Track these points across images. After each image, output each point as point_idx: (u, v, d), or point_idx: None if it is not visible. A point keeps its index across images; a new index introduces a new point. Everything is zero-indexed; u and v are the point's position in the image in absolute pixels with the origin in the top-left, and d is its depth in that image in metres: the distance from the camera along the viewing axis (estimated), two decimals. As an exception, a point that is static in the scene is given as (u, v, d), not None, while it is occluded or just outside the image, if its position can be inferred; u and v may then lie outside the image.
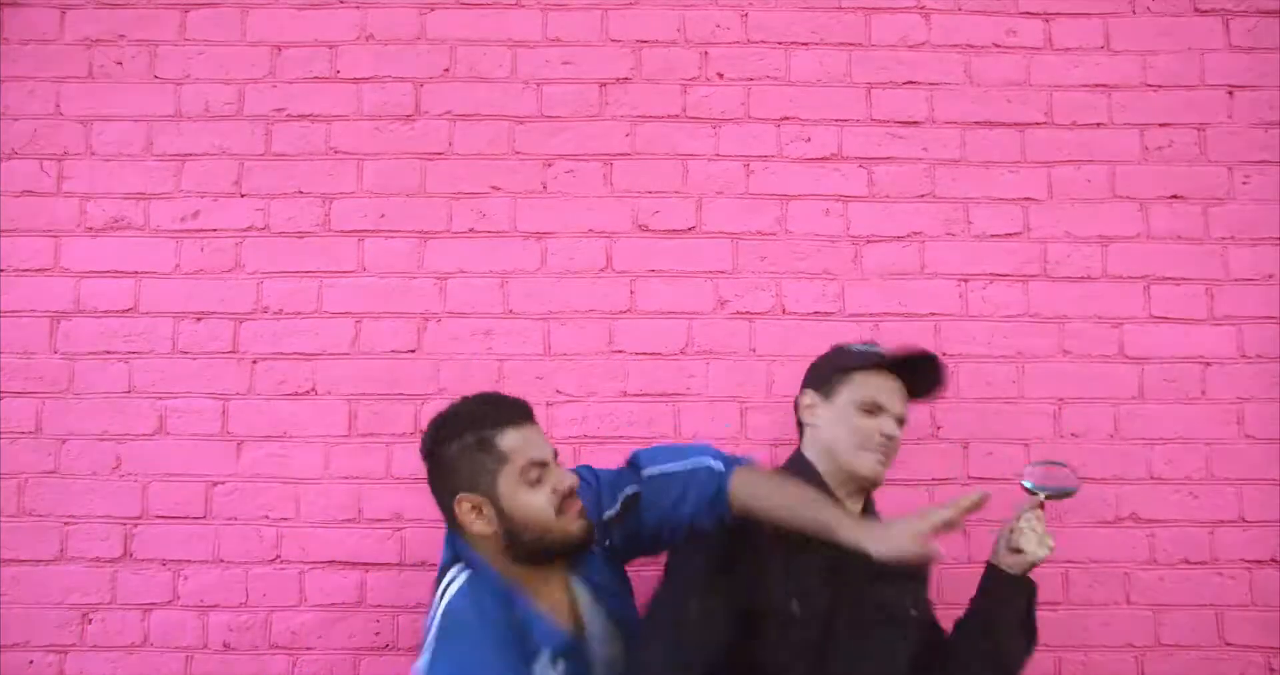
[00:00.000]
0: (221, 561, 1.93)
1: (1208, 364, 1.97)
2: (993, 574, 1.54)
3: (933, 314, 1.99)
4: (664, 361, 1.98)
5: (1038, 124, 2.04)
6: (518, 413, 1.41)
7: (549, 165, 2.03)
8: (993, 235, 2.01)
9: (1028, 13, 2.06)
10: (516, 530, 1.37)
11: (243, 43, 2.05)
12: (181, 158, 2.03)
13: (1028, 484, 1.55)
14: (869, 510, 1.63)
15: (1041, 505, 1.53)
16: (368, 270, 2.00)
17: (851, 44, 2.06)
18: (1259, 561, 1.92)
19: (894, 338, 1.96)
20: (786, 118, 2.04)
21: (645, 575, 1.58)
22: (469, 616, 1.33)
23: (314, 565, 1.92)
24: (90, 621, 1.91)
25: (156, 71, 2.05)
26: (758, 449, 1.93)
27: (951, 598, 1.72)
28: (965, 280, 2.00)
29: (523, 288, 1.99)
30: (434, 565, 1.48)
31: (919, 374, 1.62)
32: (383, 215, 2.01)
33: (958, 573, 1.87)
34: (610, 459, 1.93)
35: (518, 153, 2.03)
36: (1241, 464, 1.94)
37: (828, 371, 1.61)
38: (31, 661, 1.90)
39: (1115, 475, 1.94)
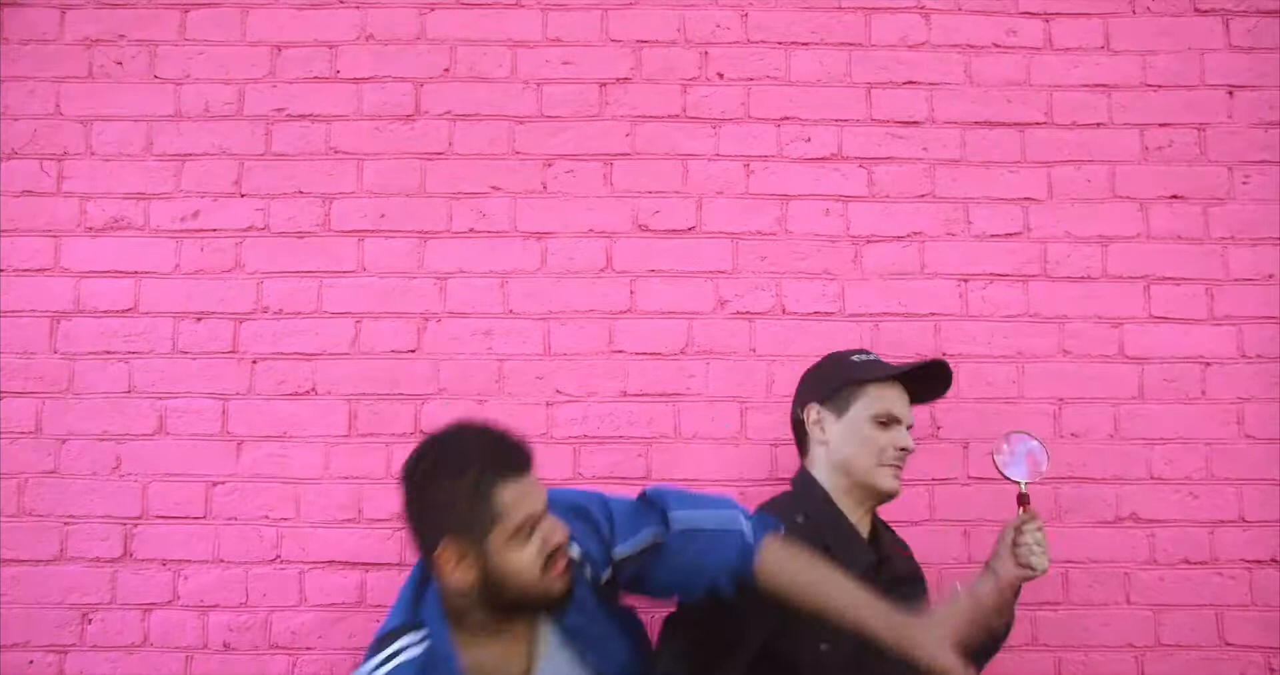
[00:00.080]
0: (221, 561, 1.92)
1: (1208, 364, 1.97)
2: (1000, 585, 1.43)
3: (933, 314, 1.99)
4: (664, 361, 1.98)
5: (1038, 124, 2.03)
6: (521, 461, 1.31)
7: (549, 165, 2.03)
8: (993, 235, 2.01)
9: (1028, 13, 2.06)
10: (496, 585, 1.29)
11: (243, 43, 2.05)
12: (181, 158, 2.03)
13: (1021, 483, 1.46)
14: (875, 521, 1.62)
15: (1027, 501, 1.45)
16: (368, 270, 2.00)
17: (851, 44, 2.05)
18: (1259, 561, 1.92)
19: (894, 338, 1.97)
20: (786, 118, 2.04)
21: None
22: None
23: (314, 565, 1.92)
24: (90, 621, 1.91)
25: (156, 71, 2.05)
26: (758, 449, 1.93)
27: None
28: (965, 280, 2.00)
29: (523, 288, 1.99)
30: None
31: (927, 381, 1.61)
32: (383, 215, 2.01)
33: (958, 573, 1.87)
34: (610, 459, 1.94)
35: (518, 153, 2.03)
36: (1241, 464, 1.94)
37: (837, 384, 1.58)
38: (31, 661, 1.90)
39: (1115, 475, 1.94)
